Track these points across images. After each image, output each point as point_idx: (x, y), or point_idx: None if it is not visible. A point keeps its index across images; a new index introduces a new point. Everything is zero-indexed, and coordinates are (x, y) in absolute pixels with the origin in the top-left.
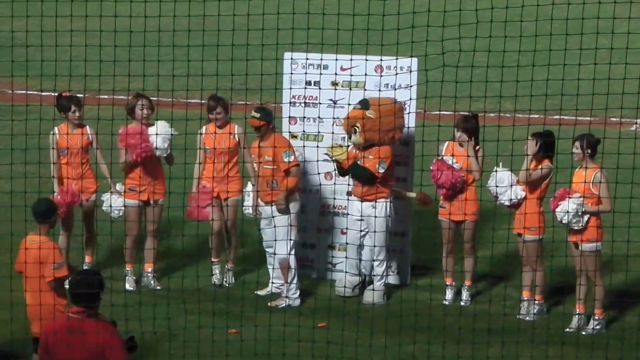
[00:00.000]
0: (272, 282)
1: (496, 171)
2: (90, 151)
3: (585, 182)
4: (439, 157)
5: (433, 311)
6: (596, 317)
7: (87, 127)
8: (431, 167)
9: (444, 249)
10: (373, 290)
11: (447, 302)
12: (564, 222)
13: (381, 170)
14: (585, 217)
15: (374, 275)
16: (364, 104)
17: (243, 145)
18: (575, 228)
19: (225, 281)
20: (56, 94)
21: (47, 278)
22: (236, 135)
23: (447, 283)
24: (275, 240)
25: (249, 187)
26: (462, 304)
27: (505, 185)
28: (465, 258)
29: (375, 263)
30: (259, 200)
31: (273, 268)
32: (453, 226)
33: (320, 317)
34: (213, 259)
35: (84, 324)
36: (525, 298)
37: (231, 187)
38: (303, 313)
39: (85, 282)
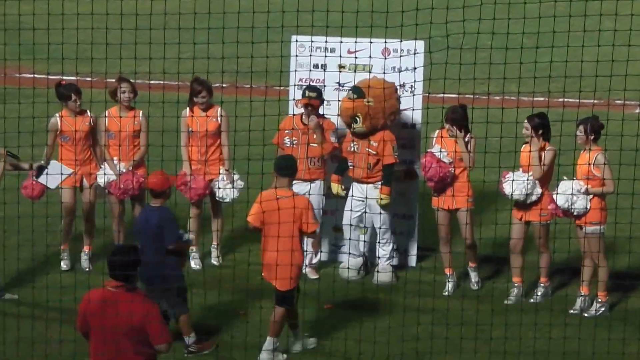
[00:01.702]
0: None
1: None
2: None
3: (588, 164)
4: (429, 150)
5: (437, 293)
6: (599, 300)
7: (88, 112)
8: (421, 160)
9: (440, 238)
10: (377, 272)
11: (447, 294)
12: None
13: (396, 155)
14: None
15: (379, 257)
16: (359, 92)
17: (227, 128)
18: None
19: (218, 259)
20: (55, 83)
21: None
22: (218, 118)
23: (447, 274)
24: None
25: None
26: (471, 287)
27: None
28: (466, 246)
29: (381, 243)
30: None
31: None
32: (446, 215)
33: (326, 298)
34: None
35: (123, 297)
36: (517, 284)
37: (213, 169)
38: (307, 294)
39: (122, 257)
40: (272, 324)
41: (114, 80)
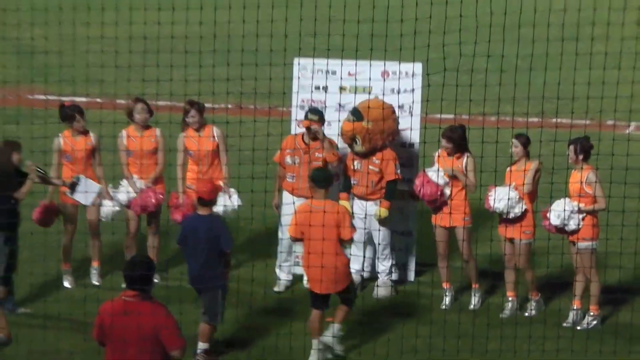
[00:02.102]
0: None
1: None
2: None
3: (580, 182)
4: (423, 170)
5: (435, 306)
6: (591, 313)
7: (90, 132)
8: (415, 181)
9: (438, 254)
10: (377, 286)
11: (444, 307)
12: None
13: (399, 172)
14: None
15: (379, 272)
16: (358, 115)
17: (224, 148)
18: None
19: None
20: (59, 104)
21: (345, 237)
22: (215, 138)
23: (444, 288)
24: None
25: (233, 194)
26: (471, 307)
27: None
28: (465, 262)
29: (381, 259)
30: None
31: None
32: (444, 231)
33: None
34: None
35: (139, 306)
36: (511, 298)
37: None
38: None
39: (137, 267)
40: (340, 313)
41: (123, 101)
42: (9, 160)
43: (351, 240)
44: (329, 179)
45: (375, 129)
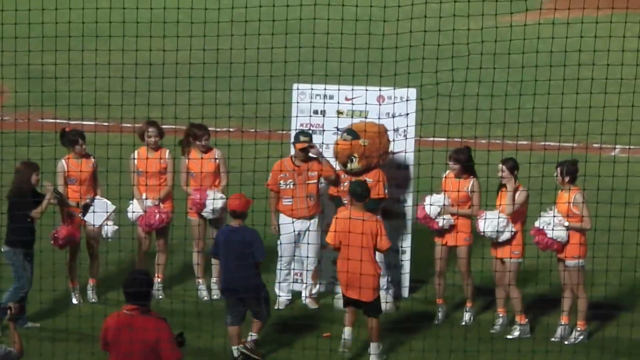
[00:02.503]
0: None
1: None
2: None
3: (568, 202)
4: (424, 199)
5: (428, 322)
6: (578, 328)
7: (91, 156)
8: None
9: (435, 271)
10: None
11: (437, 322)
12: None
13: (387, 191)
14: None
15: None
16: (354, 134)
17: (224, 169)
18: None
19: (213, 296)
20: (60, 130)
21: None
22: (216, 160)
23: (438, 304)
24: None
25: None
26: (462, 323)
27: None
28: (463, 281)
29: None
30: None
31: None
32: (445, 250)
33: (325, 327)
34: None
35: (138, 320)
36: (501, 314)
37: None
38: (308, 323)
39: (136, 282)
40: (373, 331)
41: (130, 125)
42: (28, 180)
43: (388, 251)
44: (367, 192)
45: (372, 147)
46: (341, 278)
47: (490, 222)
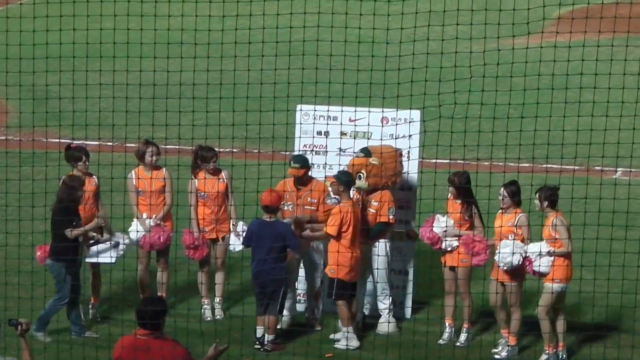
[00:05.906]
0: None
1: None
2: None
3: (550, 226)
4: (431, 216)
5: (430, 343)
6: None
7: (93, 175)
8: (425, 222)
9: (445, 292)
10: (381, 323)
11: (442, 342)
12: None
13: (392, 217)
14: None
15: (381, 310)
16: (367, 152)
17: (231, 189)
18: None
19: (216, 316)
20: (65, 146)
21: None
22: (224, 180)
23: (446, 323)
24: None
25: (240, 226)
26: (458, 344)
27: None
28: (462, 300)
29: (380, 297)
30: None
31: None
32: (451, 271)
33: (327, 348)
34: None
35: (153, 344)
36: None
37: (224, 227)
38: (310, 344)
39: (150, 307)
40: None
41: (134, 145)
42: (77, 193)
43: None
44: (349, 178)
45: (380, 167)
46: (341, 261)
47: (506, 254)
